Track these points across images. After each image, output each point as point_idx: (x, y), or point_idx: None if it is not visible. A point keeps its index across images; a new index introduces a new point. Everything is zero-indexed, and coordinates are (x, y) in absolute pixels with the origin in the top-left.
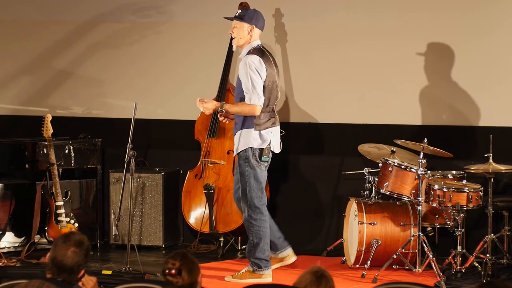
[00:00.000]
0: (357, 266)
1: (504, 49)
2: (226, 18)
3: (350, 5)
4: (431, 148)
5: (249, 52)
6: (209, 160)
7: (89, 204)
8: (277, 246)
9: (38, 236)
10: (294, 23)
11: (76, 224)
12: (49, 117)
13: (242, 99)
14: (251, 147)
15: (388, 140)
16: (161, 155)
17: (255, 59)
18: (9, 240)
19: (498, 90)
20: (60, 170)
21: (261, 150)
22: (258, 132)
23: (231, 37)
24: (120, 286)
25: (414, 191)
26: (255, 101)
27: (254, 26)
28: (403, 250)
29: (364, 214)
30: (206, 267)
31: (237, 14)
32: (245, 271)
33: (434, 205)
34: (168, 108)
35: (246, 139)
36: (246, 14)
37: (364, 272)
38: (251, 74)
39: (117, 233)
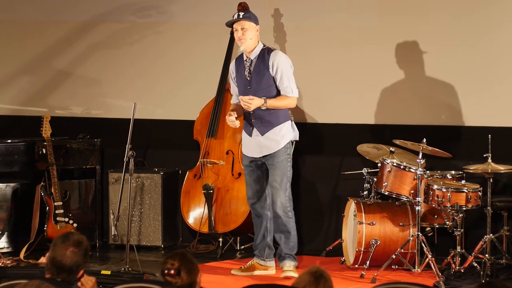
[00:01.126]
0: (356, 266)
1: (503, 50)
2: (236, 20)
3: (350, 5)
4: (430, 148)
5: (269, 50)
6: (208, 160)
7: (88, 204)
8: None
9: (37, 236)
10: (293, 23)
11: (75, 224)
12: (48, 117)
13: (267, 94)
14: (291, 140)
15: (387, 140)
16: (160, 155)
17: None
18: (8, 240)
19: (497, 90)
20: (59, 170)
21: (293, 142)
22: (291, 124)
23: (232, 38)
24: (119, 286)
25: (413, 191)
26: (296, 93)
27: (258, 26)
28: (402, 250)
29: (363, 214)
30: (205, 267)
31: (243, 15)
32: (293, 266)
33: (433, 205)
34: (167, 108)
35: (288, 132)
36: (251, 15)
37: (363, 272)
38: (289, 68)
39: (116, 233)
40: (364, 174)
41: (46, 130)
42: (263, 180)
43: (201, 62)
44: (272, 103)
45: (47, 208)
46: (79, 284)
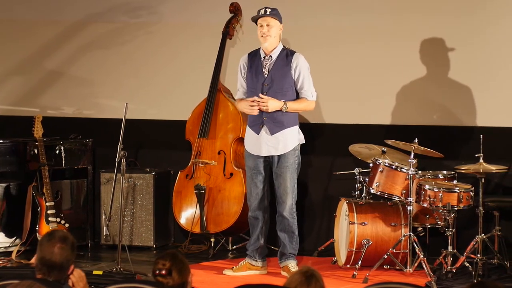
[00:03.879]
0: (348, 266)
1: (495, 50)
2: (262, 15)
3: (344, 6)
4: (422, 148)
5: (291, 52)
6: (200, 160)
7: (80, 205)
8: (263, 255)
9: (29, 236)
10: (287, 23)
11: (67, 225)
12: (40, 117)
13: (284, 94)
14: (299, 143)
15: (379, 140)
16: (152, 155)
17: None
18: (0, 240)
19: (489, 91)
20: (51, 170)
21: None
22: (298, 128)
23: (225, 35)
24: (111, 287)
25: (405, 191)
26: (315, 96)
27: (282, 25)
28: (394, 250)
29: (355, 214)
30: (197, 267)
31: (270, 12)
32: (295, 265)
33: (425, 205)
34: (159, 108)
35: (296, 136)
36: (277, 12)
37: (355, 272)
38: (309, 70)
39: (108, 233)
40: (356, 174)
41: (38, 130)
42: (265, 182)
43: (193, 62)
44: (292, 106)
45: (39, 208)
46: (70, 283)
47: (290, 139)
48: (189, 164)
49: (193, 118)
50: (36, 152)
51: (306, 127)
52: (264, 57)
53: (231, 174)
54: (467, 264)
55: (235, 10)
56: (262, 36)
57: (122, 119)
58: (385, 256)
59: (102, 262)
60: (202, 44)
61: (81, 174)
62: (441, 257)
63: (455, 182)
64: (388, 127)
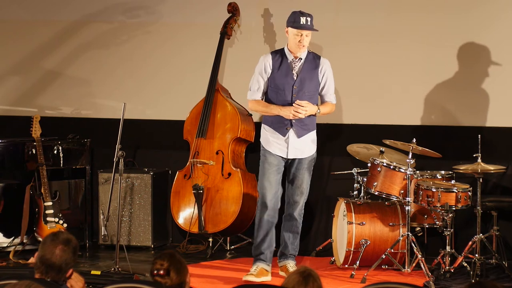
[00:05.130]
0: (346, 266)
1: (493, 50)
2: (307, 27)
3: (339, 5)
4: (420, 148)
5: (317, 55)
6: (198, 160)
7: (78, 205)
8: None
9: (27, 236)
10: (282, 23)
11: (65, 225)
12: (38, 118)
13: (311, 98)
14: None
15: (377, 140)
16: (150, 155)
17: None
18: None
19: (487, 91)
20: (49, 170)
21: None
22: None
23: (223, 35)
24: (109, 287)
25: (403, 191)
26: (335, 100)
27: None
28: (392, 250)
29: (353, 214)
30: (195, 267)
31: (311, 23)
32: (293, 265)
33: (423, 205)
34: (157, 109)
35: (315, 140)
36: (313, 21)
37: (353, 272)
38: (333, 76)
39: (106, 233)
40: (354, 174)
41: (36, 130)
42: (280, 182)
43: (191, 62)
44: (323, 110)
45: (37, 208)
46: (68, 285)
47: (313, 142)
48: (187, 164)
49: (191, 118)
50: (34, 152)
51: None
52: (292, 59)
53: (229, 174)
54: (465, 264)
55: (233, 10)
56: (298, 45)
57: (120, 119)
58: (383, 256)
59: (100, 262)
60: (200, 44)
61: (79, 174)
62: (439, 257)
63: (453, 182)
64: (386, 127)
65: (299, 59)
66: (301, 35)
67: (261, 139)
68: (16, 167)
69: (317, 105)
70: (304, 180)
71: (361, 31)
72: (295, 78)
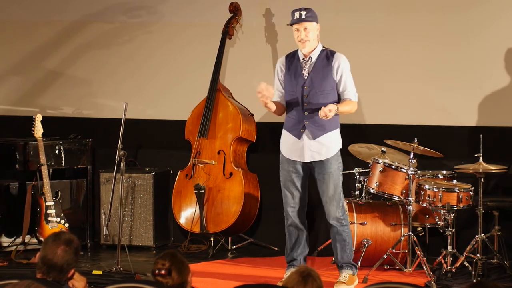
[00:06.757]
0: None
1: (494, 49)
2: (298, 20)
3: (339, 5)
4: (422, 148)
5: (331, 52)
6: (199, 160)
7: (79, 204)
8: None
9: (28, 236)
10: (284, 23)
11: (67, 224)
12: (39, 117)
13: (326, 96)
14: (340, 148)
15: (379, 140)
16: (152, 155)
17: None
18: None
19: (488, 90)
20: (51, 170)
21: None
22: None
23: (225, 35)
24: (111, 286)
25: (404, 191)
26: (357, 97)
27: (319, 25)
28: (394, 250)
29: (355, 214)
30: (196, 267)
31: (306, 15)
32: (349, 275)
33: (425, 205)
34: (159, 108)
35: (338, 139)
36: (312, 14)
37: None
38: (350, 72)
39: (107, 233)
40: (356, 174)
41: (38, 130)
42: (306, 187)
43: (192, 62)
44: (341, 109)
45: (39, 208)
46: (70, 284)
47: (334, 143)
48: (189, 164)
49: (192, 118)
50: (35, 152)
51: None
52: (303, 59)
53: (231, 174)
54: (467, 264)
55: (235, 10)
56: (300, 41)
57: (121, 119)
58: (385, 256)
59: (101, 262)
60: (201, 44)
61: (80, 174)
62: (440, 257)
63: (454, 182)
64: (387, 127)
65: (309, 58)
66: (298, 30)
67: (280, 145)
68: (17, 166)
69: (336, 103)
70: (330, 186)
71: (361, 31)
72: (305, 78)
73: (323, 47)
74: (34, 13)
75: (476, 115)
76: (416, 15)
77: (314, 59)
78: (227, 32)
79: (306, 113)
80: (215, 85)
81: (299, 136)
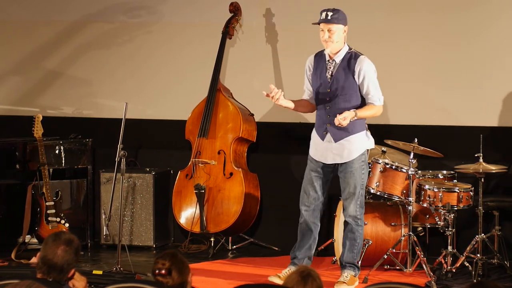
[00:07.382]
0: None
1: (494, 49)
2: (323, 21)
3: (339, 5)
4: (422, 148)
5: (356, 55)
6: (199, 160)
7: (79, 204)
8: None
9: (29, 236)
10: (284, 23)
11: (67, 224)
12: (39, 117)
13: (348, 99)
14: (367, 149)
15: (379, 140)
16: (152, 155)
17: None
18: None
19: (489, 90)
20: (51, 170)
21: (368, 149)
22: (366, 132)
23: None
24: (111, 286)
25: (404, 191)
26: (382, 101)
27: (347, 27)
28: (394, 250)
29: None
30: (196, 267)
31: (331, 16)
32: (351, 275)
33: (425, 205)
34: (159, 108)
35: (362, 142)
36: (339, 16)
37: None
38: (375, 74)
39: (107, 233)
40: None
41: (38, 130)
42: (325, 188)
43: (193, 62)
44: (361, 114)
45: (39, 208)
46: (70, 284)
47: (356, 146)
48: (189, 163)
49: (193, 118)
50: (36, 152)
51: (306, 127)
52: (328, 60)
53: (231, 174)
54: (467, 264)
55: (235, 9)
56: (324, 42)
57: (122, 119)
58: (385, 256)
59: (102, 261)
60: (202, 43)
61: (81, 174)
62: (441, 257)
63: (455, 182)
64: (388, 127)
65: (333, 60)
66: (322, 30)
67: (310, 143)
68: (18, 167)
69: (359, 107)
70: (350, 184)
71: (361, 31)
72: (329, 80)
73: (350, 48)
74: (34, 13)
75: (476, 115)
76: (416, 15)
77: (338, 61)
78: (227, 32)
79: (328, 116)
80: (215, 85)
81: (322, 138)
